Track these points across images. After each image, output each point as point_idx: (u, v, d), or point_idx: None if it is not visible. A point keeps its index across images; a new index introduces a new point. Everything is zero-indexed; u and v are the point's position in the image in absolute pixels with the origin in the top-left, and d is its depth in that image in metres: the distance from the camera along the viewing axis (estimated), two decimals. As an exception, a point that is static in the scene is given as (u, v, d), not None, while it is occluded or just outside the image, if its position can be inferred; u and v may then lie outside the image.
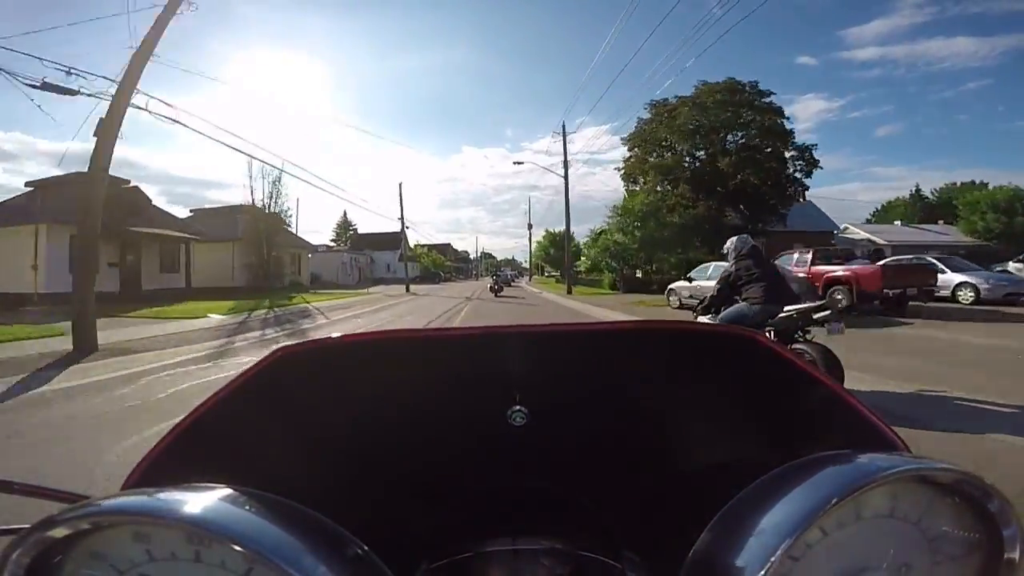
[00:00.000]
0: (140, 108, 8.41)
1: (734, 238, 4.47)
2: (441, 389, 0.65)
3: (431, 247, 74.55)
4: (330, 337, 0.60)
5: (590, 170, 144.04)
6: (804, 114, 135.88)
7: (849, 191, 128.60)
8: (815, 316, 3.93)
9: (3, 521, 0.50)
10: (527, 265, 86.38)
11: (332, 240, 77.40)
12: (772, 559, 0.36)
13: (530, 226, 58.24)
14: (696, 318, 4.47)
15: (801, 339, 4.03)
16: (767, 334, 3.77)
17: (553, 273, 52.68)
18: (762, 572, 0.36)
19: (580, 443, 0.68)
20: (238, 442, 0.58)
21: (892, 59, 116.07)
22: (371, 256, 64.93)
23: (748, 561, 0.38)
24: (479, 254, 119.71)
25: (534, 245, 60.98)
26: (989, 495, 0.40)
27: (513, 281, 48.61)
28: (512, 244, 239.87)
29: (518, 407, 0.63)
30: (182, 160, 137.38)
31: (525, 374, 0.64)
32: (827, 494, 0.38)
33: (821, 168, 24.43)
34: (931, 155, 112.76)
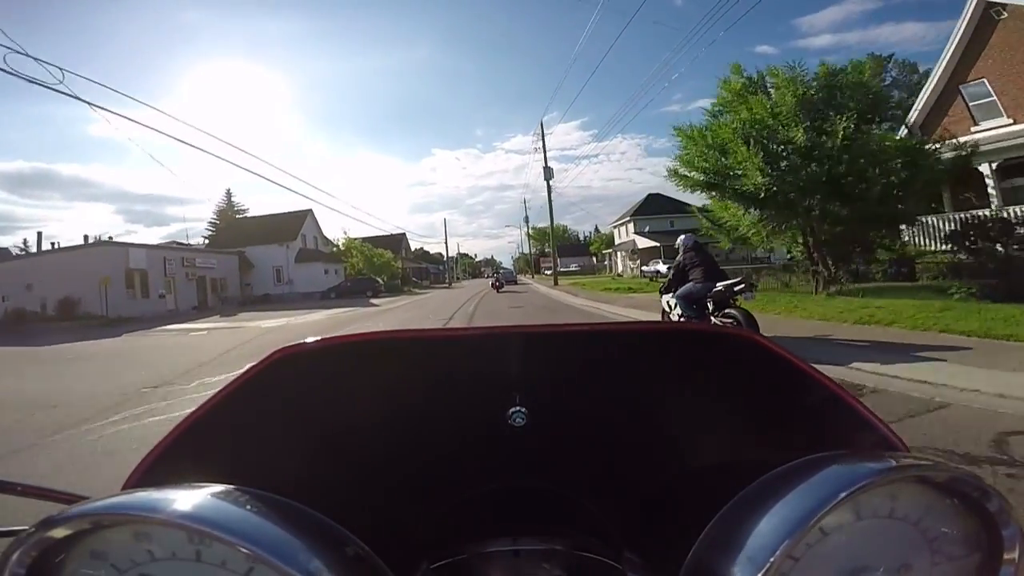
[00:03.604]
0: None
1: (682, 236, 6.10)
2: (441, 389, 0.65)
3: (367, 240, 44.82)
4: (330, 337, 0.59)
5: (563, 167, 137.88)
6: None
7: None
8: (735, 289, 5.24)
9: (3, 521, 0.51)
10: (507, 265, 79.83)
11: (206, 234, 46.98)
12: (772, 559, 0.36)
13: (548, 169, 29.79)
14: (661, 296, 6.16)
15: (732, 306, 5.27)
16: (707, 303, 5.35)
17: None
18: (762, 572, 0.36)
19: (580, 444, 0.68)
20: (238, 442, 0.57)
21: (846, 45, 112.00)
22: (245, 255, 33.78)
23: (748, 561, 0.37)
24: (454, 255, 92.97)
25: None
26: (988, 495, 0.40)
27: (517, 280, 41.80)
28: (491, 245, 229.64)
29: (518, 408, 0.63)
30: (138, 177, 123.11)
31: (525, 375, 0.64)
32: (827, 494, 0.38)
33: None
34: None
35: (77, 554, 0.37)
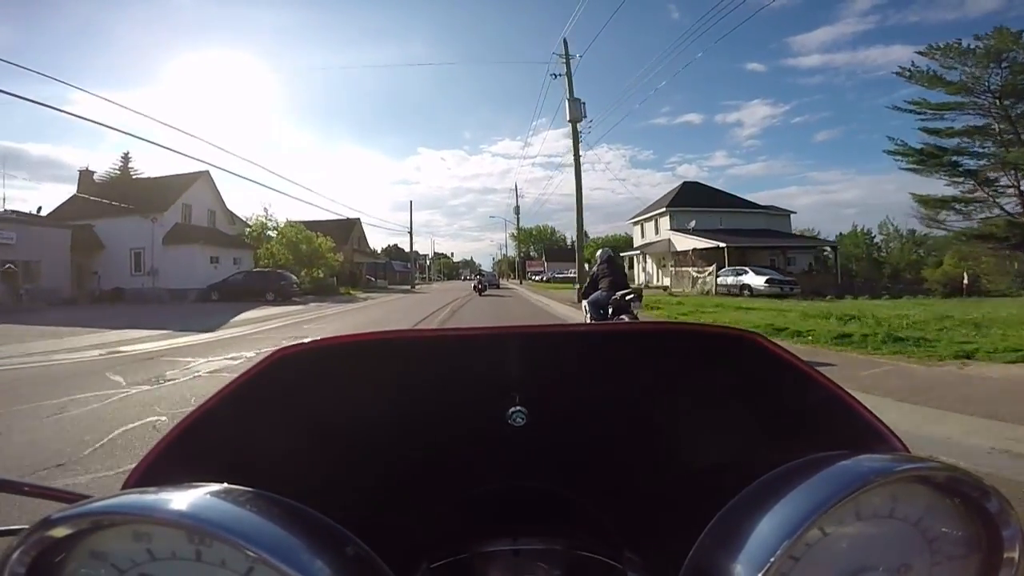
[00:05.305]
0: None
1: (600, 251, 7.23)
2: (441, 389, 0.65)
3: (307, 224, 32.80)
4: (329, 337, 0.59)
5: (549, 174, 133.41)
6: (750, 119, 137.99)
7: (787, 195, 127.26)
8: (628, 298, 6.37)
9: (3, 521, 0.49)
10: (486, 268, 75.99)
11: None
12: (772, 559, 0.36)
13: (575, 102, 18.95)
14: (579, 300, 7.57)
15: (628, 311, 6.33)
16: (609, 309, 6.42)
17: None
18: (762, 572, 0.36)
19: (580, 443, 0.68)
20: (238, 442, 0.57)
21: (834, 67, 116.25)
22: (94, 230, 20.60)
23: (748, 561, 0.38)
24: (430, 253, 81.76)
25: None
26: (988, 495, 0.40)
27: (499, 283, 39.78)
28: (472, 247, 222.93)
29: (518, 407, 0.63)
30: (111, 161, 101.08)
31: (525, 375, 0.64)
32: (827, 494, 0.38)
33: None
34: (866, 159, 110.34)
35: (77, 554, 0.37)
